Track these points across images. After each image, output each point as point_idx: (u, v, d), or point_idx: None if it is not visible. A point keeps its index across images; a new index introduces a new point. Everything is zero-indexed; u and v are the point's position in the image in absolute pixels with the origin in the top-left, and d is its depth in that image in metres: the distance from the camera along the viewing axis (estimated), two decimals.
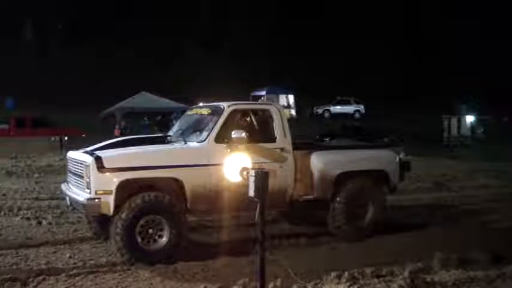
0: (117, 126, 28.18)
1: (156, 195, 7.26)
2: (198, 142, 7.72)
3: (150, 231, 7.23)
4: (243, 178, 5.74)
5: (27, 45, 54.78)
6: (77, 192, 7.55)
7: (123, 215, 7.08)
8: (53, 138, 25.88)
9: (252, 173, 5.58)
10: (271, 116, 8.09)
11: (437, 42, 58.85)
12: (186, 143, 7.84)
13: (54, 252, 7.75)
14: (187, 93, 34.24)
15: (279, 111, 8.17)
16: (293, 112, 42.31)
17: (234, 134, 7.46)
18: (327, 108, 44.59)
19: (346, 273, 6.33)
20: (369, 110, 43.62)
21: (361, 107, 44.56)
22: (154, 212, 7.22)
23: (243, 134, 7.46)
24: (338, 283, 6.17)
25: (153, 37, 53.57)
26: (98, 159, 7.09)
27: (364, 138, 9.52)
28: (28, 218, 9.81)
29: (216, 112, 7.99)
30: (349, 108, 44.59)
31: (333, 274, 6.33)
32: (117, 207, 7.12)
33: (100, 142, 8.34)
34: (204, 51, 55.76)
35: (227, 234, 8.52)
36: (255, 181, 5.53)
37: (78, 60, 50.57)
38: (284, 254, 7.50)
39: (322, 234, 8.57)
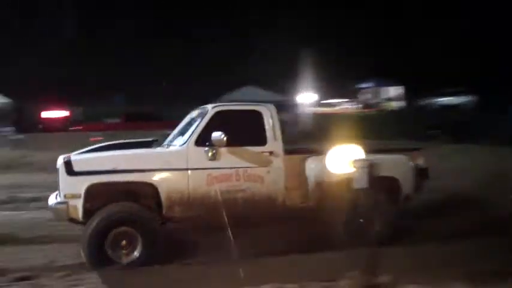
0: None
1: (129, 204, 6.90)
2: (179, 146, 7.27)
3: (122, 243, 6.85)
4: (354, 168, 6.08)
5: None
6: (52, 197, 7.32)
7: (93, 224, 6.76)
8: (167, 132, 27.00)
9: (362, 163, 5.89)
10: (261, 118, 7.47)
11: None
12: (168, 147, 7.45)
13: None
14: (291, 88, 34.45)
15: (271, 112, 7.52)
16: (394, 104, 41.03)
17: (213, 136, 6.96)
18: (436, 100, 42.15)
19: None
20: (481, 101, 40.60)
21: (471, 99, 41.55)
22: (126, 224, 6.83)
23: (222, 136, 6.93)
24: None
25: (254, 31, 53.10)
26: (67, 163, 6.86)
27: None
28: None
29: (202, 114, 7.51)
30: (458, 100, 41.74)
31: None
32: (90, 213, 6.83)
33: None
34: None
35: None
36: (368, 171, 5.84)
37: (181, 54, 51.00)
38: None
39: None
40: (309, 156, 7.61)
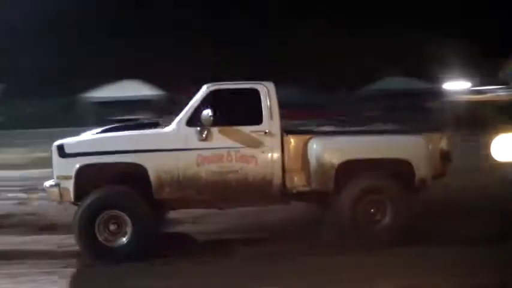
0: None
1: (119, 187, 6.84)
2: (171, 126, 7.09)
3: (112, 227, 6.80)
4: None
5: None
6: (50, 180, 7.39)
7: (82, 206, 6.78)
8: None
9: None
10: (257, 96, 7.09)
11: None
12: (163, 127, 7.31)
13: None
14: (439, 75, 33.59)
15: (268, 90, 7.11)
16: None
17: (202, 115, 6.73)
18: None
19: None
20: None
21: None
22: (114, 207, 6.78)
23: (210, 115, 6.68)
24: None
25: None
26: (60, 145, 6.93)
27: None
28: None
29: (198, 94, 7.27)
30: None
31: None
32: (82, 195, 6.84)
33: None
34: None
35: None
36: None
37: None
38: None
39: None
40: (311, 137, 7.10)
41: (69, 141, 7.02)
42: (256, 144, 6.91)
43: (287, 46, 42.00)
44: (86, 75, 34.91)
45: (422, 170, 6.99)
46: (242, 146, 6.88)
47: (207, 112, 6.70)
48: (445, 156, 7.24)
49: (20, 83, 33.50)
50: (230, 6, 45.42)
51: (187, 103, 7.10)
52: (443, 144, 7.32)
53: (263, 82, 7.23)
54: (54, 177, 6.95)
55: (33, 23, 36.68)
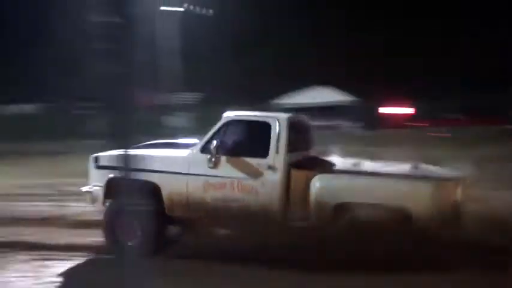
0: None
1: (133, 199, 7.62)
2: (187, 151, 7.71)
3: (128, 230, 7.60)
4: None
5: None
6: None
7: (107, 212, 7.78)
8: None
9: None
10: (268, 130, 7.38)
11: None
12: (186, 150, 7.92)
13: None
14: None
15: (280, 125, 7.36)
16: None
17: (211, 145, 7.27)
18: None
19: None
20: None
21: None
22: (127, 215, 7.53)
23: (213, 145, 7.22)
24: None
25: None
26: (96, 157, 7.94)
27: None
28: None
29: (218, 122, 7.76)
30: None
31: None
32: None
33: None
34: None
35: None
36: None
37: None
38: None
39: None
40: (315, 174, 7.25)
41: (103, 155, 7.98)
42: (258, 176, 7.24)
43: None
44: (278, 83, 36.55)
45: (422, 219, 6.78)
46: (245, 177, 7.27)
47: (214, 143, 7.20)
48: (454, 208, 6.93)
49: (217, 92, 35.92)
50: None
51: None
52: (458, 194, 7.01)
53: (278, 115, 7.51)
54: (90, 184, 8.01)
55: (233, 35, 39.12)
